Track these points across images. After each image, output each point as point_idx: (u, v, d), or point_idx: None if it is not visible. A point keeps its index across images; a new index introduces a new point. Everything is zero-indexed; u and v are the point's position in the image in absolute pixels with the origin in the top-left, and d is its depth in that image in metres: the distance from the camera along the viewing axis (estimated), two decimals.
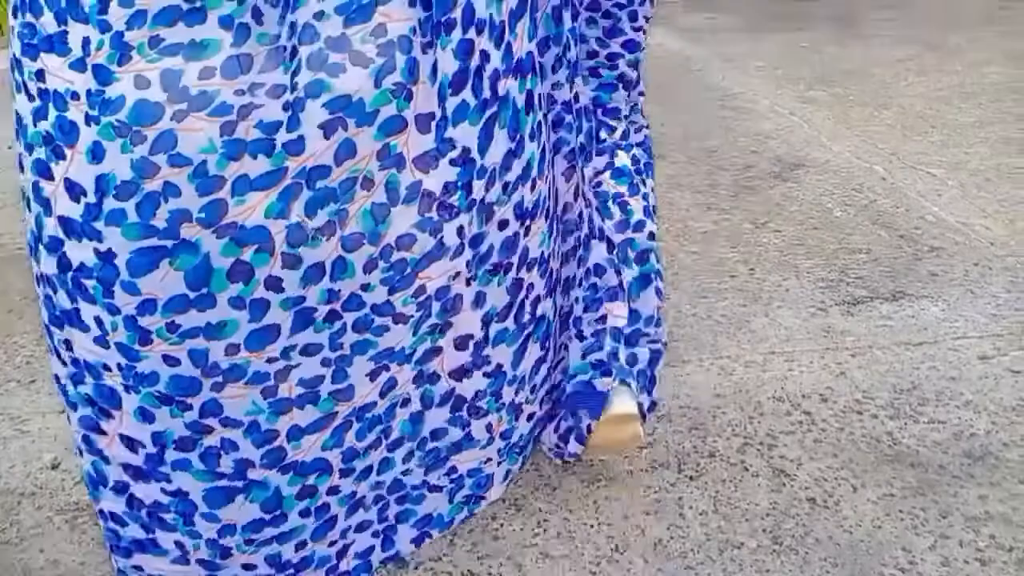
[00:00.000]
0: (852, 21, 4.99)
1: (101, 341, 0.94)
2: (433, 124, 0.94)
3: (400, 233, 0.95)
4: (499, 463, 1.21)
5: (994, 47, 4.04)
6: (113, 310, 0.91)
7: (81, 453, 1.04)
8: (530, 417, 1.22)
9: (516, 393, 1.17)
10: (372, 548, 1.17)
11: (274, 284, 0.92)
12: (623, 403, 1.15)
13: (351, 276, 0.95)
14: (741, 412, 1.39)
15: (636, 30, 1.35)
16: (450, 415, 1.12)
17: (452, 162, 0.96)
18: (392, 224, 0.94)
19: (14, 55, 0.92)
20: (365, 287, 0.96)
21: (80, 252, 0.90)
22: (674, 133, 2.92)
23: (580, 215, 1.21)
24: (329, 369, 0.99)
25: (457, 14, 0.93)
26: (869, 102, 3.19)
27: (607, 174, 1.28)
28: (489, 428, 1.16)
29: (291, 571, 1.12)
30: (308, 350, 0.97)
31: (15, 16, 0.92)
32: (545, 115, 1.11)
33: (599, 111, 1.34)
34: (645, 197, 1.30)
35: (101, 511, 1.06)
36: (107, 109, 0.85)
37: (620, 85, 1.37)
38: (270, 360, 0.96)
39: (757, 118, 3.04)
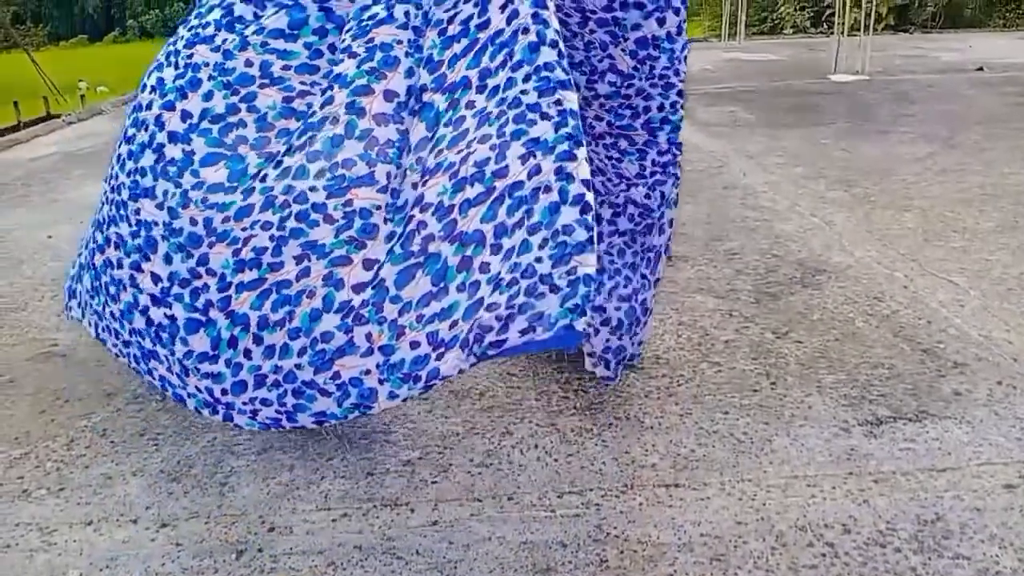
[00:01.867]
0: (869, 116, 5.08)
1: (160, 206, 1.48)
2: (395, 100, 1.39)
3: (346, 157, 1.37)
4: (380, 380, 1.33)
5: (1014, 145, 4.09)
6: (177, 186, 1.46)
7: (126, 288, 1.54)
8: (414, 345, 1.29)
9: (399, 314, 1.31)
10: (279, 419, 1.48)
11: (263, 177, 1.42)
12: None
13: (305, 178, 1.38)
14: (763, 542, 1.38)
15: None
16: (339, 322, 1.35)
17: (396, 129, 1.38)
18: (343, 150, 1.37)
19: (174, 45, 1.57)
20: (312, 189, 1.36)
21: (174, 151, 1.48)
22: (696, 233, 2.97)
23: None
24: (272, 244, 1.39)
25: (400, 53, 1.41)
26: (890, 204, 3.23)
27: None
28: (368, 337, 1.33)
29: (222, 405, 1.51)
30: (265, 226, 1.39)
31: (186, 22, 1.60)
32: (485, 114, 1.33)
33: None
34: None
35: (133, 329, 1.56)
36: (224, 74, 1.49)
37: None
38: (243, 229, 1.41)
39: (778, 219, 3.09)
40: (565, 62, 1.27)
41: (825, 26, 13.56)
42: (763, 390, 1.88)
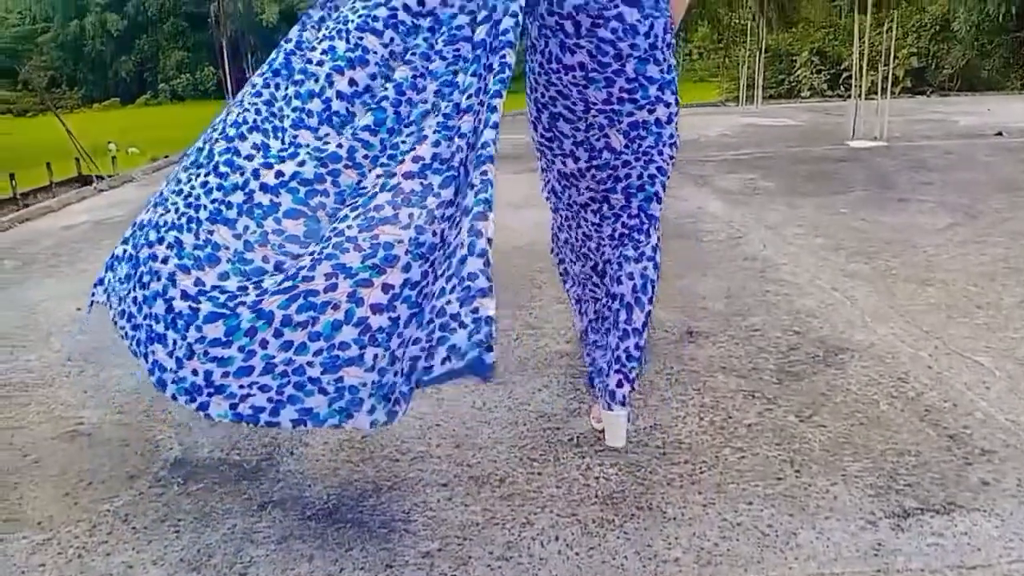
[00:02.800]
0: (888, 184, 5.09)
1: (237, 236, 1.76)
2: (420, 163, 1.71)
3: (378, 204, 1.68)
4: (370, 395, 1.58)
5: None
6: (259, 226, 1.77)
7: (160, 279, 1.73)
8: (397, 373, 1.57)
9: (399, 348, 1.58)
10: (263, 410, 1.62)
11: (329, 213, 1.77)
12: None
13: (346, 220, 1.69)
14: None
15: None
16: (357, 336, 1.59)
17: (420, 183, 1.69)
18: (375, 199, 1.69)
19: (282, 122, 1.89)
20: (348, 227, 1.67)
21: (262, 198, 1.79)
22: (717, 308, 2.97)
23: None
24: (311, 259, 1.65)
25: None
26: (912, 277, 3.22)
27: None
28: (375, 358, 1.59)
29: (210, 391, 1.65)
30: (309, 244, 1.71)
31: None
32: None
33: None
34: None
35: (150, 313, 1.73)
36: (319, 152, 1.81)
37: None
38: (301, 247, 1.72)
39: (799, 293, 3.08)
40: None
41: (842, 89, 13.70)
42: (787, 478, 1.85)
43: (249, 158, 1.82)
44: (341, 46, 1.87)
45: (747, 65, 12.12)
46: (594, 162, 2.04)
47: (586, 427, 2.12)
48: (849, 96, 8.94)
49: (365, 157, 1.82)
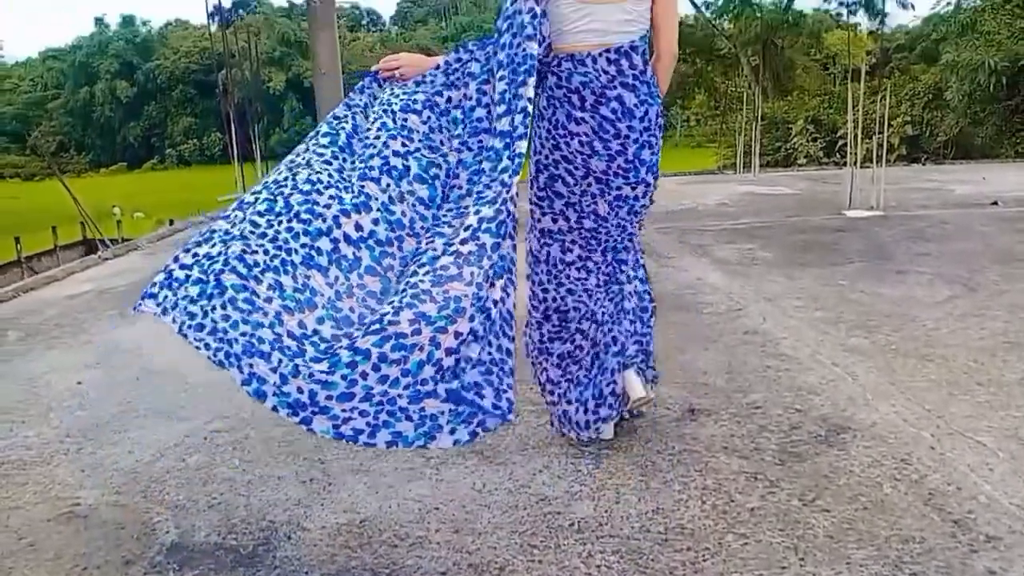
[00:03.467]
0: (886, 254, 5.14)
1: (329, 284, 2.07)
2: (469, 232, 2.00)
3: (443, 264, 1.96)
4: (448, 421, 1.95)
5: None
6: (347, 278, 2.10)
7: (266, 314, 1.94)
8: (471, 403, 1.99)
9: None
10: (362, 431, 1.91)
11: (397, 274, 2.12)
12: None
13: (416, 277, 1.98)
14: None
15: None
16: (434, 373, 1.89)
17: (475, 244, 1.97)
18: (439, 260, 1.99)
19: (350, 179, 2.22)
20: (422, 282, 1.94)
21: (347, 250, 2.12)
22: (718, 384, 2.97)
23: None
24: (392, 308, 1.92)
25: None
26: (912, 352, 3.22)
27: None
28: (447, 392, 1.94)
29: (314, 409, 1.88)
30: (383, 301, 2.03)
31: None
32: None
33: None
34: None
35: (255, 334, 1.91)
36: (387, 212, 2.16)
37: None
38: (377, 303, 2.04)
39: (800, 369, 3.08)
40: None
41: (838, 156, 13.92)
42: (792, 567, 1.83)
43: (327, 207, 2.10)
44: (389, 122, 2.27)
45: (744, 133, 12.32)
46: (583, 223, 2.36)
47: (587, 511, 2.11)
48: (845, 164, 9.08)
49: (422, 228, 2.19)
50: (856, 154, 7.86)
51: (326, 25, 9.57)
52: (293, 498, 2.27)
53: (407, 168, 2.22)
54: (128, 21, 71.13)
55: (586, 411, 2.43)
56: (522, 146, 2.06)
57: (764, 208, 7.66)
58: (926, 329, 3.53)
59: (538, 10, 2.12)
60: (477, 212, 2.03)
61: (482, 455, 2.45)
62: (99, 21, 71.91)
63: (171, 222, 19.02)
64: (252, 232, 2.07)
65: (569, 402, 2.48)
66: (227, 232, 2.08)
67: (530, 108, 2.06)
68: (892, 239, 5.64)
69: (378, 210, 2.16)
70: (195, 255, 2.06)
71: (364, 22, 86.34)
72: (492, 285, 1.96)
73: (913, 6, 31.12)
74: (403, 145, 2.25)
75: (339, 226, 2.10)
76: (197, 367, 3.42)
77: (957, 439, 2.44)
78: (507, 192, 2.00)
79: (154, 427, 2.84)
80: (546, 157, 2.32)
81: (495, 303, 1.97)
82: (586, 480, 2.27)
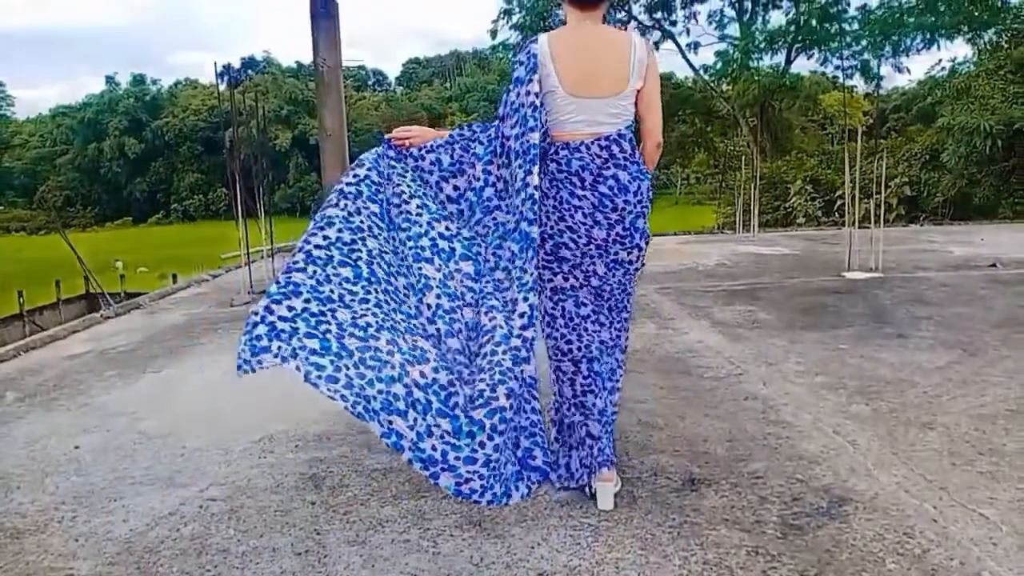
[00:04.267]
0: (886, 318, 5.14)
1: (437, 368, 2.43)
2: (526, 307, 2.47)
3: (515, 346, 2.42)
4: (516, 480, 2.55)
5: None
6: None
7: (394, 368, 2.29)
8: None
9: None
10: (476, 491, 2.38)
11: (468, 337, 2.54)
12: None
13: (495, 357, 2.40)
14: None
15: None
16: (530, 443, 2.64)
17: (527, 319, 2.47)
18: (511, 340, 2.43)
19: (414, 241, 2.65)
20: (503, 359, 2.39)
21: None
22: (718, 453, 2.94)
23: None
24: (488, 386, 2.35)
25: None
26: (913, 420, 3.21)
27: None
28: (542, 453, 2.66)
29: (444, 466, 2.30)
30: (468, 362, 2.47)
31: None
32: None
33: None
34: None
35: (390, 391, 2.26)
36: (452, 321, 2.54)
37: None
38: (463, 365, 2.48)
39: (801, 437, 3.06)
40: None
41: (837, 215, 14.05)
42: None
43: (406, 289, 2.53)
44: (432, 205, 2.65)
45: (743, 192, 12.45)
46: (591, 281, 2.61)
47: None
48: (844, 223, 9.15)
49: (472, 299, 2.55)
50: (854, 214, 7.93)
51: (333, 89, 9.76)
52: (288, 570, 2.24)
53: (453, 250, 2.60)
54: (139, 80, 72.59)
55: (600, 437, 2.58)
56: (535, 230, 2.46)
57: (764, 268, 7.70)
58: (927, 395, 3.51)
59: (538, 102, 2.42)
60: (526, 299, 2.45)
61: (480, 526, 2.43)
62: (110, 80, 73.41)
63: (174, 277, 19.16)
64: (353, 298, 2.39)
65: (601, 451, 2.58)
66: (317, 290, 2.35)
67: (536, 195, 2.45)
68: (891, 302, 5.66)
69: (438, 287, 2.55)
70: (291, 308, 2.28)
71: (370, 82, 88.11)
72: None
73: (908, 69, 31.72)
74: (447, 229, 2.63)
75: (421, 301, 2.54)
76: (193, 430, 3.42)
77: (959, 511, 2.41)
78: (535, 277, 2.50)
79: (149, 494, 2.82)
80: (551, 228, 2.55)
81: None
82: (585, 554, 2.24)
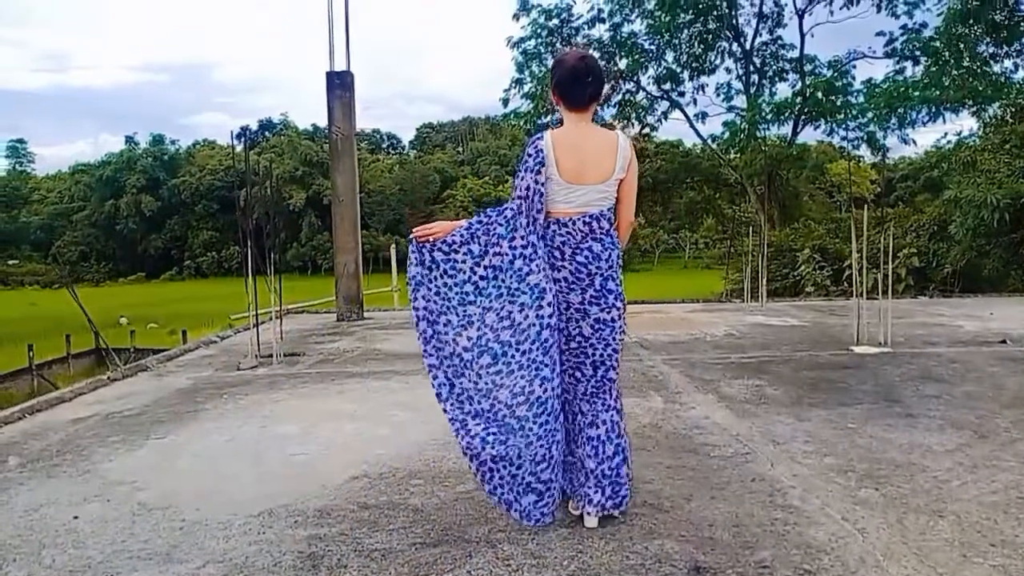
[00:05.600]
0: (895, 396, 5.10)
1: None
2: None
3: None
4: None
5: None
6: None
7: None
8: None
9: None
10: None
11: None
12: None
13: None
14: None
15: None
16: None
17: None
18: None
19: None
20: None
21: None
22: (724, 539, 2.89)
23: None
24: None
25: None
26: (923, 507, 3.15)
27: None
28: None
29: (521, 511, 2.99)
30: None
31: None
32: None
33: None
34: None
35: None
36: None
37: None
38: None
39: (809, 523, 3.01)
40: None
41: (845, 284, 14.04)
42: None
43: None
44: (453, 318, 3.01)
45: (751, 260, 12.48)
46: (571, 343, 3.04)
47: None
48: (852, 293, 9.13)
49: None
50: (863, 285, 7.92)
51: (346, 156, 9.96)
52: None
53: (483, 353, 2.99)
54: (158, 140, 74.23)
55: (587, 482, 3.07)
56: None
57: (772, 341, 7.68)
58: (937, 480, 3.46)
59: (543, 190, 2.90)
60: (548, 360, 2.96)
61: None
62: (129, 139, 75.05)
63: (183, 333, 19.22)
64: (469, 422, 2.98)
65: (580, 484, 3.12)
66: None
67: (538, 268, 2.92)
68: (900, 379, 5.62)
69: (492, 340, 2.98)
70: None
71: (384, 145, 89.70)
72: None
73: (914, 141, 32.18)
74: (468, 339, 2.97)
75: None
76: (193, 502, 3.39)
77: None
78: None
79: (146, 569, 2.78)
80: None
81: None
82: None
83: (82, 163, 78.12)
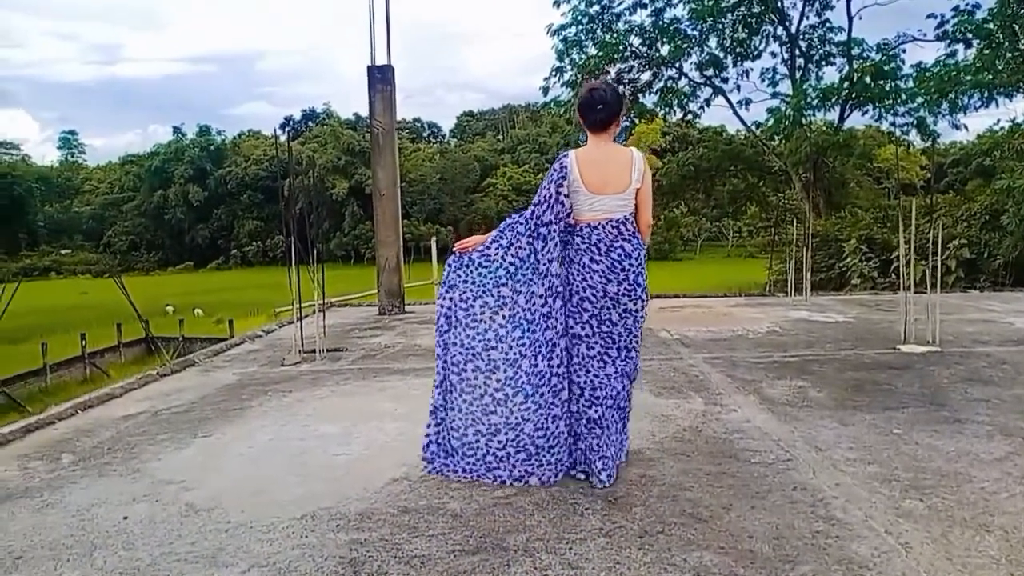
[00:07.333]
0: (942, 400, 4.99)
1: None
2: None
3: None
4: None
5: None
6: None
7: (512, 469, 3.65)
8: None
9: None
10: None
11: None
12: None
13: None
14: None
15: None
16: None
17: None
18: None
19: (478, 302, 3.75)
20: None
21: None
22: (764, 552, 2.86)
23: None
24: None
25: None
26: (970, 520, 3.09)
27: None
28: None
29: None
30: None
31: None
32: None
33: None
34: None
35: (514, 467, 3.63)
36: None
37: None
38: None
39: (851, 537, 2.97)
40: None
41: (893, 276, 13.73)
42: None
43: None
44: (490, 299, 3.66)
45: (795, 251, 12.24)
46: (602, 327, 3.60)
47: None
48: (899, 286, 8.92)
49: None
50: (911, 277, 7.70)
51: (387, 150, 10.03)
52: None
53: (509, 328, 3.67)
54: (204, 131, 75.52)
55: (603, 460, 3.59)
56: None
57: (816, 338, 7.56)
58: (984, 492, 3.38)
59: (565, 201, 3.53)
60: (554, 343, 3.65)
61: None
62: (177, 130, 76.52)
63: (230, 323, 19.57)
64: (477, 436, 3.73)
65: (592, 449, 3.60)
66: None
67: (555, 271, 3.60)
68: (948, 381, 5.49)
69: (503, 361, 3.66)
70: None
71: (425, 134, 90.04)
72: None
73: (966, 127, 31.20)
74: (503, 318, 3.63)
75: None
76: (239, 503, 3.47)
77: None
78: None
79: (192, 573, 2.86)
80: (577, 286, 3.60)
81: None
82: None
83: (132, 154, 79.99)
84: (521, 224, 3.60)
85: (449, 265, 3.71)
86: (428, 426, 3.82)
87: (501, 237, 3.62)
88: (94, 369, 17.62)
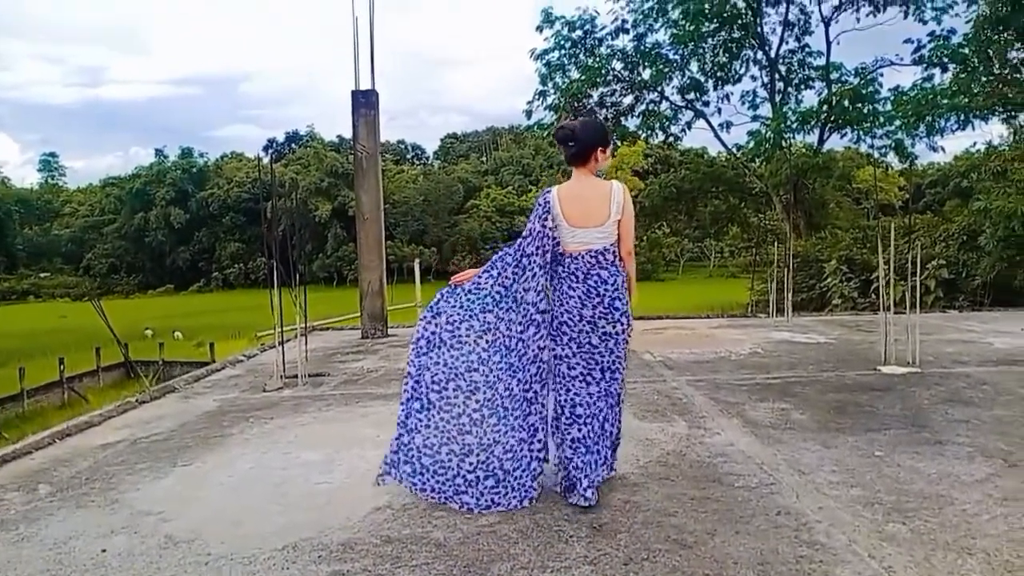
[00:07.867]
0: (922, 421, 5.02)
1: None
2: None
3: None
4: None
5: None
6: None
7: (470, 482, 3.74)
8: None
9: None
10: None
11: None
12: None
13: None
14: None
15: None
16: None
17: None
18: None
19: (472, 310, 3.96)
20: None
21: None
22: None
23: None
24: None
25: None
26: (952, 543, 3.10)
27: None
28: None
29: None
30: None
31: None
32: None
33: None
34: None
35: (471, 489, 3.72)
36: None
37: None
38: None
39: (835, 562, 2.97)
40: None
41: (873, 296, 13.84)
42: None
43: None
44: (475, 323, 3.85)
45: (777, 271, 12.32)
46: (582, 350, 3.76)
47: None
48: (880, 307, 8.99)
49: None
50: (891, 297, 7.76)
51: (370, 174, 10.03)
52: None
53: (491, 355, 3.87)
54: (187, 153, 75.28)
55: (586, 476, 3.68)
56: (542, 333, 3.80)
57: (798, 360, 7.60)
58: (966, 514, 3.40)
59: (550, 235, 3.76)
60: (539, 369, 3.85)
61: None
62: (159, 152, 76.22)
63: (211, 346, 19.39)
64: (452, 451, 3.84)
65: (577, 468, 3.69)
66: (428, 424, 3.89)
67: (540, 305, 3.78)
68: (929, 402, 5.53)
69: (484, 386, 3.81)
70: (412, 449, 3.90)
71: (409, 156, 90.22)
72: None
73: (943, 149, 31.69)
74: (487, 342, 3.84)
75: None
76: (219, 534, 3.42)
77: None
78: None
79: None
80: (558, 310, 3.79)
81: None
82: None
83: (113, 176, 79.50)
84: (509, 255, 3.84)
85: (440, 294, 3.92)
86: (394, 439, 3.92)
87: (492, 267, 3.84)
88: (72, 394, 17.38)
